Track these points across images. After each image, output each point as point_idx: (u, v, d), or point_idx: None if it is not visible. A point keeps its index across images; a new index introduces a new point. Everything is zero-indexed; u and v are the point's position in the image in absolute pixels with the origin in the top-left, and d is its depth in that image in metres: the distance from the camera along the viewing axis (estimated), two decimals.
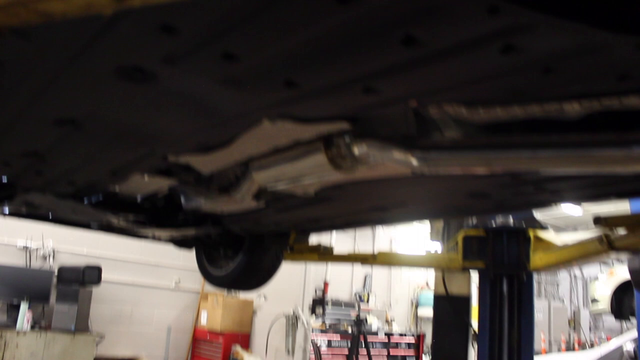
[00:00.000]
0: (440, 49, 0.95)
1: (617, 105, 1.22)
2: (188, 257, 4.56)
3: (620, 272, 9.13)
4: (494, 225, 3.26)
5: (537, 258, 2.89)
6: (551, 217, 15.51)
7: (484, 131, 1.54)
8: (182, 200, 2.65)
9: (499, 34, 0.89)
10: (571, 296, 18.92)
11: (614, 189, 1.89)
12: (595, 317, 18.26)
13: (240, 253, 3.80)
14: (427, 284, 14.51)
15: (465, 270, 3.29)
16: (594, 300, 10.40)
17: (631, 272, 4.18)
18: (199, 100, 1.31)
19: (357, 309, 10.85)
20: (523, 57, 0.95)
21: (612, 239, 2.05)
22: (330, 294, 10.82)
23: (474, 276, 3.68)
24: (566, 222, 16.22)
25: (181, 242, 4.09)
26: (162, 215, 3.11)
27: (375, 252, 3.33)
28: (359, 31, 0.91)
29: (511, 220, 3.26)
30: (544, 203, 2.08)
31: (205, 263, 4.17)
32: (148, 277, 9.39)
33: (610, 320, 17.06)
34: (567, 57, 0.96)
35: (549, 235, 3.00)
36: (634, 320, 9.44)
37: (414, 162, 1.49)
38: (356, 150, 1.56)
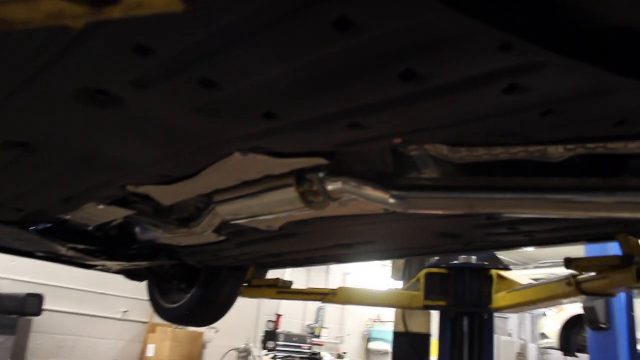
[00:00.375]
0: (440, 86, 0.89)
1: (601, 149, 1.20)
2: (137, 287, 4.34)
3: (568, 309, 9.30)
4: (456, 263, 3.23)
5: (500, 298, 2.86)
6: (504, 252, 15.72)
7: (463, 171, 1.50)
8: (138, 230, 2.51)
9: (507, 73, 0.84)
10: (520, 331, 19.17)
11: (585, 233, 1.88)
12: (542, 352, 18.54)
13: (195, 287, 3.65)
14: (379, 317, 14.45)
15: (427, 308, 3.23)
16: (543, 336, 10.54)
17: (586, 310, 4.23)
18: (168, 128, 1.21)
19: (309, 343, 10.65)
20: (526, 97, 0.91)
21: (579, 281, 2.03)
22: (283, 327, 10.59)
23: (434, 314, 3.63)
24: (518, 256, 16.52)
25: (132, 274, 3.90)
26: (115, 245, 2.95)
27: (330, 286, 3.24)
28: (356, 62, 0.84)
29: (474, 259, 3.23)
30: (515, 245, 2.06)
31: (158, 296, 3.97)
32: (93, 307, 8.97)
33: (556, 355, 17.34)
34: (570, 100, 0.92)
35: (512, 275, 2.99)
36: (581, 356, 9.61)
37: (392, 201, 1.43)
38: (330, 187, 1.49)
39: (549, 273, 11.39)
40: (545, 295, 2.28)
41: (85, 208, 2.05)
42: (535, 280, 2.95)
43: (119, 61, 0.90)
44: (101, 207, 2.03)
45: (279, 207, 1.64)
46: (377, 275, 13.37)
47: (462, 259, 3.29)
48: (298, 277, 11.05)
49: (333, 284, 12.64)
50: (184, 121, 1.14)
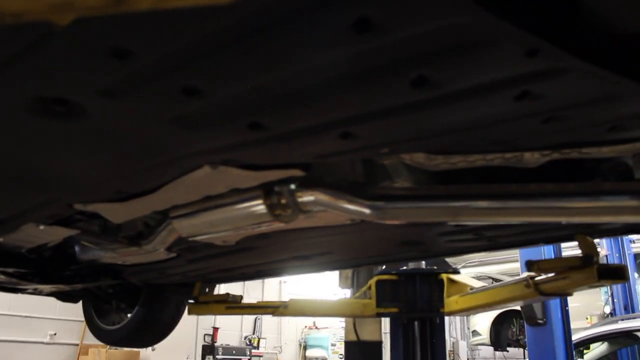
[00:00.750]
0: (448, 93, 0.84)
1: (575, 154, 1.20)
2: (65, 308, 4.03)
3: None
4: (406, 269, 3.22)
5: (452, 302, 2.86)
6: None
7: (433, 179, 1.46)
8: (77, 250, 2.32)
9: (524, 79, 0.79)
10: (450, 329, 19.73)
11: (543, 235, 1.90)
12: (472, 348, 19.17)
13: (136, 306, 3.45)
14: (314, 324, 14.43)
15: (380, 316, 3.20)
16: (474, 333, 10.86)
17: (523, 307, 4.35)
18: (134, 141, 1.09)
19: (248, 355, 10.45)
20: (535, 104, 0.87)
21: (538, 282, 2.05)
22: (221, 340, 10.33)
23: (384, 320, 3.62)
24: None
25: (66, 295, 3.64)
26: (50, 267, 2.73)
27: (266, 295, 3.15)
28: (366, 68, 0.77)
29: (423, 264, 3.24)
30: (476, 249, 2.05)
31: (95, 317, 3.73)
32: (17, 332, 8.34)
33: (485, 350, 17.97)
34: (577, 106, 0.89)
35: (461, 278, 3.01)
36: (511, 350, 9.98)
37: (368, 211, 1.37)
38: (302, 199, 1.41)
39: (477, 272, 11.77)
40: (502, 297, 2.30)
41: (23, 229, 1.86)
42: None
43: (92, 65, 0.78)
44: (42, 227, 1.84)
45: (243, 221, 1.54)
46: (315, 282, 13.35)
47: (412, 264, 3.29)
48: (233, 287, 10.82)
49: (269, 293, 12.49)
50: (154, 133, 1.03)
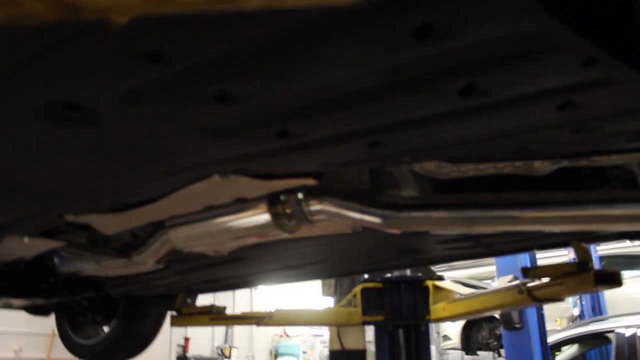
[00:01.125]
0: (494, 102, 0.81)
1: (585, 162, 1.19)
2: (30, 321, 3.81)
3: None
4: (390, 277, 3.21)
5: (439, 308, 2.86)
6: None
7: (438, 188, 1.44)
8: (57, 262, 2.21)
9: (571, 89, 0.77)
10: None
11: (539, 242, 1.91)
12: (441, 352, 19.31)
13: (113, 318, 3.33)
14: (284, 332, 14.33)
15: (366, 324, 3.17)
16: (445, 337, 10.94)
17: (501, 312, 4.39)
18: (144, 150, 1.03)
19: None
20: (573, 114, 0.85)
21: (530, 288, 2.05)
22: (192, 350, 10.14)
23: (368, 329, 3.59)
24: None
25: (37, 309, 3.49)
26: (25, 281, 2.60)
27: (238, 303, 3.10)
28: (415, 75, 0.74)
29: (407, 271, 3.23)
30: (472, 256, 2.05)
31: (69, 331, 3.58)
32: None
33: (453, 355, 18.13)
34: (612, 117, 0.88)
35: (447, 284, 3.01)
36: (481, 354, 10.09)
37: (378, 220, 1.34)
38: (311, 208, 1.37)
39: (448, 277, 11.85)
40: (494, 304, 2.30)
41: (5, 242, 1.76)
42: None
43: (119, 68, 0.73)
44: (26, 239, 1.75)
45: (245, 231, 1.49)
46: (288, 290, 13.27)
47: (396, 272, 3.28)
48: (203, 297, 10.64)
49: (240, 301, 12.33)
50: (172, 142, 0.97)
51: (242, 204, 1.42)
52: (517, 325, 4.57)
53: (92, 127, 0.92)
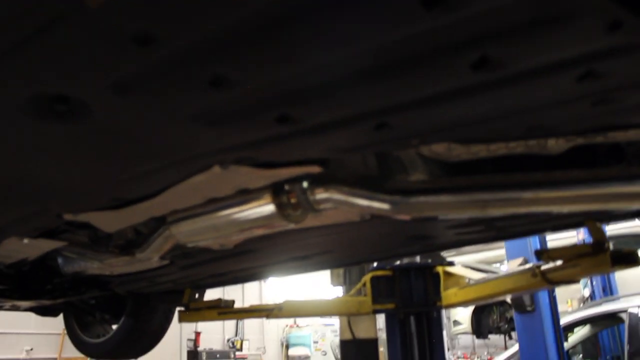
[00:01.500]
0: (509, 75, 0.75)
1: (601, 139, 1.14)
2: (42, 321, 3.81)
3: None
4: (400, 264, 3.16)
5: (451, 294, 2.81)
6: None
7: (447, 172, 1.39)
8: (60, 262, 2.18)
9: (593, 57, 0.71)
10: None
11: (550, 224, 1.85)
12: (452, 337, 19.34)
13: (121, 316, 3.30)
14: (295, 322, 14.34)
15: (377, 312, 3.13)
16: (455, 323, 10.93)
17: (512, 297, 4.35)
18: (141, 143, 0.98)
19: (232, 358, 10.31)
20: (594, 85, 0.79)
21: (544, 271, 2.00)
22: (204, 344, 10.15)
23: (379, 317, 3.55)
24: None
25: (45, 310, 3.47)
26: (30, 282, 2.57)
27: (247, 295, 3.07)
28: (425, 49, 0.68)
29: (417, 257, 3.18)
30: (484, 240, 2.00)
31: (78, 331, 3.58)
32: None
33: (464, 339, 18.15)
34: (632, 87, 0.82)
35: (458, 270, 2.96)
36: (492, 337, 10.08)
37: (387, 207, 1.28)
38: (316, 197, 1.32)
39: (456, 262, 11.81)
40: (507, 288, 2.25)
41: (4, 244, 1.73)
42: None
43: (106, 54, 0.67)
44: (25, 241, 1.71)
45: (249, 224, 1.44)
46: (298, 281, 13.26)
47: (406, 259, 3.23)
48: (211, 290, 10.66)
49: (249, 293, 12.35)
50: (170, 132, 0.92)
51: (245, 196, 1.37)
52: (529, 309, 4.53)
53: (83, 120, 0.87)
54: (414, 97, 0.82)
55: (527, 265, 2.16)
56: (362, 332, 3.44)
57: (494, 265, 8.82)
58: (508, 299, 5.16)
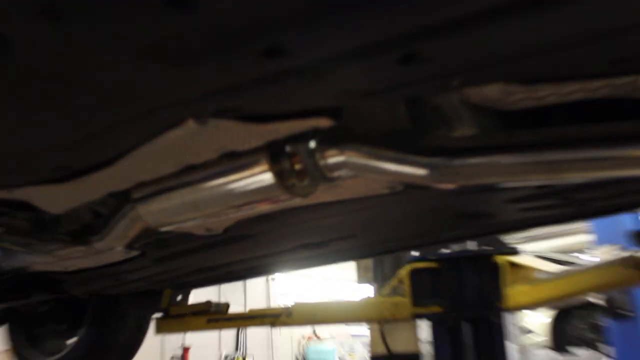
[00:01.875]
0: None
1: None
2: None
3: None
4: (448, 252, 3.17)
5: (517, 293, 2.81)
6: None
7: (507, 125, 1.38)
8: None
9: None
10: None
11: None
12: (522, 351, 19.46)
13: (82, 326, 3.39)
14: (314, 333, 14.56)
15: (418, 317, 3.16)
16: (527, 331, 10.95)
17: (607, 298, 4.37)
18: (84, 89, 0.99)
19: None
20: None
21: None
22: None
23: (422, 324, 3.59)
24: None
25: None
26: None
27: (250, 299, 3.11)
28: None
29: (470, 244, 3.18)
30: (560, 219, 1.99)
31: (26, 346, 3.68)
32: None
33: (541, 355, 18.26)
34: None
35: (525, 260, 2.96)
36: (578, 351, 10.09)
37: (423, 172, 1.28)
38: (327, 161, 1.31)
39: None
40: (593, 284, 2.25)
41: None
42: None
43: None
44: None
45: (240, 199, 1.45)
46: (315, 276, 13.40)
47: (456, 246, 3.23)
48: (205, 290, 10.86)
49: (253, 295, 12.53)
50: (121, 73, 0.92)
51: (233, 161, 1.38)
52: (628, 314, 4.54)
53: (7, 58, 0.88)
54: (453, 14, 0.81)
55: (622, 254, 2.15)
56: (399, 345, 3.48)
57: (574, 255, 8.80)
58: (597, 299, 5.16)
